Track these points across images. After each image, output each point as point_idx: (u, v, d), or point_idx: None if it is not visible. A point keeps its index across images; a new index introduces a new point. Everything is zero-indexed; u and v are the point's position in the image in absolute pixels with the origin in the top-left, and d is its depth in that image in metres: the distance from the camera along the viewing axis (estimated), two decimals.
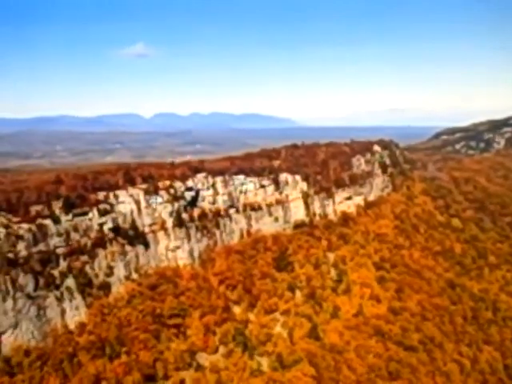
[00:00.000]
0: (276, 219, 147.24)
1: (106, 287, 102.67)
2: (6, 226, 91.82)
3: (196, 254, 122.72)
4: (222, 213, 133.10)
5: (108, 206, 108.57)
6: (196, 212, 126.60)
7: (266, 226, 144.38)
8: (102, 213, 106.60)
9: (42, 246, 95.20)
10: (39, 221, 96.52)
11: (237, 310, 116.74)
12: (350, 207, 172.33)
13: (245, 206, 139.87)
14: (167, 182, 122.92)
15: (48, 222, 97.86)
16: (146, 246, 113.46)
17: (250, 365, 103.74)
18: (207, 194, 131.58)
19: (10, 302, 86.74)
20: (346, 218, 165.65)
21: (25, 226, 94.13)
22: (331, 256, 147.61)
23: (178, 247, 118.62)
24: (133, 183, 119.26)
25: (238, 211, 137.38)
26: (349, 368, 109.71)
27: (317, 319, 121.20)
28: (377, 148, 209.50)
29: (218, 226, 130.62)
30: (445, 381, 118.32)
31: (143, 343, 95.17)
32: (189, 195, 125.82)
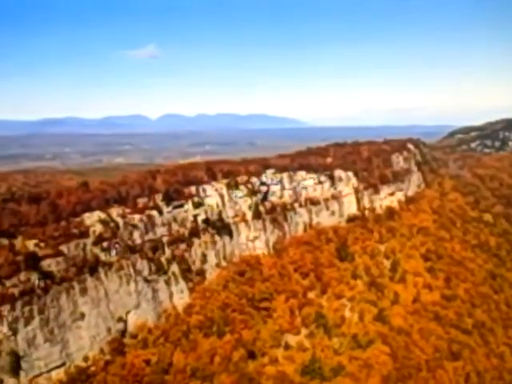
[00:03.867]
0: (332, 213, 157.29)
1: (202, 273, 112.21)
2: (123, 216, 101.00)
3: (271, 244, 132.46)
4: (288, 206, 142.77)
5: (200, 199, 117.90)
6: (267, 205, 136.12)
7: (324, 219, 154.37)
8: (196, 205, 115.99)
9: (151, 235, 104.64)
10: (147, 212, 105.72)
11: (311, 295, 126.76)
12: (393, 202, 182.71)
13: (306, 200, 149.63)
14: (244, 177, 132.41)
15: (154, 213, 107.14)
16: (231, 236, 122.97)
17: (331, 344, 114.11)
18: (276, 188, 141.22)
19: (132, 285, 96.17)
20: (391, 212, 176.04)
21: (137, 216, 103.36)
22: (382, 248, 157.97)
23: (256, 237, 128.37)
24: (215, 178, 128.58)
25: (300, 205, 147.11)
26: (417, 348, 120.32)
27: (381, 305, 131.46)
28: (411, 146, 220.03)
29: (285, 218, 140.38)
30: (499, 362, 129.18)
31: (244, 323, 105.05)
32: (263, 189, 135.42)
